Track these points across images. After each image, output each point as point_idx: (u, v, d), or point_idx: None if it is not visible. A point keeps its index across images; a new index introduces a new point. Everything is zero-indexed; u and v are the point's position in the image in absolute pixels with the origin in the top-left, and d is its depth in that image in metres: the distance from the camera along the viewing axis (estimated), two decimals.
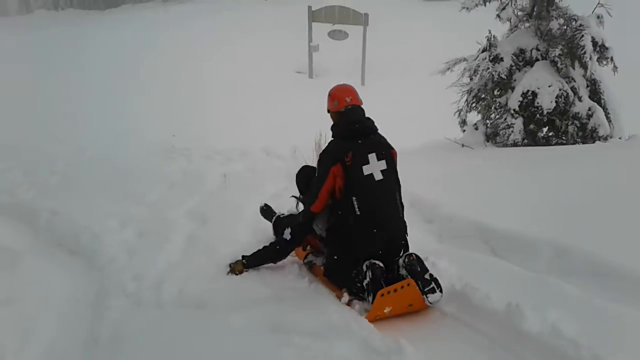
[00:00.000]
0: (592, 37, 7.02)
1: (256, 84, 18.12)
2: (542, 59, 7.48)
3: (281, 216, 4.57)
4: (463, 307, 3.68)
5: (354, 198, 3.61)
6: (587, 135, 7.33)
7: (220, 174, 7.62)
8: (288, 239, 4.05)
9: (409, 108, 14.81)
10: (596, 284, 3.78)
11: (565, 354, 3.04)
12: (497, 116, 7.83)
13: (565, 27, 7.26)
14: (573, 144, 7.33)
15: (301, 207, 4.37)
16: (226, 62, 20.91)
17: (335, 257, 3.78)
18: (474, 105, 8.10)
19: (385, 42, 21.75)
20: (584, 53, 6.95)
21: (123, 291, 4.67)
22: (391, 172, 3.76)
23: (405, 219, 3.93)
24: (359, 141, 3.72)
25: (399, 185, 3.86)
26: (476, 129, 8.04)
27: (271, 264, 4.24)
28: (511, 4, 7.72)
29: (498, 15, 7.80)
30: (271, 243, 4.25)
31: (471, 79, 7.95)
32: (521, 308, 3.36)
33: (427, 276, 3.51)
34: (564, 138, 7.53)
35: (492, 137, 7.83)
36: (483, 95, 8.00)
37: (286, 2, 35.46)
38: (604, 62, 7.29)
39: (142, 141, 10.95)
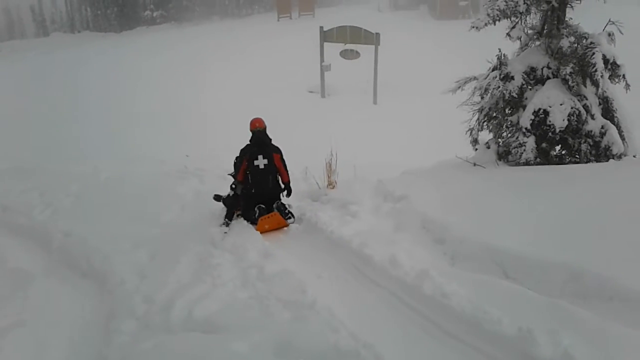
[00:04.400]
0: (603, 54, 6.93)
1: (268, 103, 18.22)
2: (553, 77, 7.41)
3: (224, 196, 7.10)
4: (473, 331, 3.63)
5: (249, 175, 6.81)
6: (601, 153, 7.22)
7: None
8: (226, 196, 7.03)
9: (421, 127, 14.79)
10: (611, 308, 3.70)
11: None
12: (509, 135, 7.75)
13: (576, 45, 7.19)
14: (586, 162, 7.22)
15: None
16: (239, 81, 21.13)
17: (244, 206, 6.80)
18: (485, 124, 8.03)
19: (397, 61, 21.84)
20: (595, 71, 6.86)
21: (133, 314, 4.67)
22: (269, 165, 6.78)
23: (287, 185, 7.05)
24: (255, 148, 6.82)
25: (275, 171, 6.86)
26: (488, 147, 7.96)
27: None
28: (521, 22, 7.69)
29: (508, 34, 7.77)
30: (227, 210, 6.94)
31: (482, 98, 7.89)
32: (533, 333, 3.30)
33: (286, 211, 6.70)
34: (577, 156, 7.42)
35: (504, 156, 7.75)
36: (494, 114, 7.93)
37: (298, 21, 35.89)
38: (616, 80, 7.20)
39: (156, 162, 11.05)
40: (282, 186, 7.01)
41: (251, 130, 6.90)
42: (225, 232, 6.35)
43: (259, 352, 3.67)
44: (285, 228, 6.62)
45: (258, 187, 6.77)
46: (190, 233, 6.46)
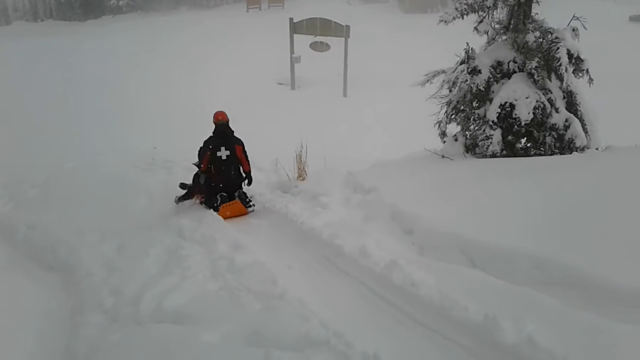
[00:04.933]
0: (567, 49, 7.09)
1: (238, 96, 18.10)
2: (519, 71, 7.54)
3: (189, 184, 7.41)
4: (441, 319, 3.70)
5: (212, 165, 7.05)
6: (565, 146, 7.40)
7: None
8: (191, 184, 7.32)
9: (390, 119, 14.89)
10: (574, 295, 3.82)
11: None
12: (476, 127, 7.87)
13: (541, 40, 7.33)
14: (551, 154, 7.41)
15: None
16: (207, 73, 20.88)
17: (207, 194, 7.06)
18: (453, 116, 8.13)
19: (367, 53, 21.93)
20: (560, 65, 7.02)
21: (100, 306, 4.62)
22: (232, 156, 7.05)
23: (248, 175, 7.34)
24: (218, 140, 7.06)
25: (238, 162, 7.13)
26: (456, 140, 8.07)
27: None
28: (488, 17, 7.80)
29: (476, 28, 7.88)
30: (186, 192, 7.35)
31: (450, 91, 7.99)
32: (497, 319, 3.39)
33: (247, 199, 7.02)
34: (542, 149, 7.59)
35: (472, 148, 7.87)
36: (462, 107, 8.04)
37: (268, 13, 35.65)
38: (580, 74, 7.39)
39: (123, 153, 10.88)
40: (244, 175, 7.28)
41: (214, 123, 7.15)
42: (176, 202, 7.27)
43: (230, 342, 3.67)
44: (247, 216, 6.87)
45: (220, 177, 7.04)
46: (158, 225, 6.40)
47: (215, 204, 6.87)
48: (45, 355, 4.40)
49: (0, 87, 18.75)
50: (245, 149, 7.22)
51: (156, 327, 4.09)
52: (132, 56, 22.95)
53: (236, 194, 7.03)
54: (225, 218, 6.58)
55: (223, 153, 7.01)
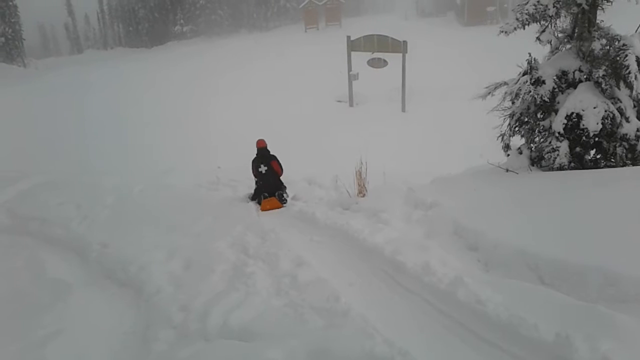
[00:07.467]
0: (636, 56, 6.82)
1: (297, 113, 18.38)
2: (586, 81, 7.31)
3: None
4: (509, 338, 3.60)
5: (257, 179, 9.32)
6: (637, 156, 7.07)
7: None
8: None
9: (451, 133, 14.70)
10: None
11: None
12: (542, 139, 7.64)
13: (608, 48, 7.08)
14: (622, 166, 7.10)
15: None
16: (267, 91, 21.33)
17: (256, 195, 9.15)
18: (517, 129, 7.95)
19: (425, 68, 21.77)
20: (629, 73, 6.74)
21: (170, 323, 4.76)
22: (269, 169, 9.30)
23: (285, 183, 9.45)
24: (259, 159, 9.34)
25: (275, 172, 9.33)
26: (520, 153, 7.87)
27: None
28: (551, 26, 7.61)
29: (538, 38, 7.70)
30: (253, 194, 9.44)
31: (513, 103, 7.81)
32: (571, 338, 3.26)
33: (282, 198, 9.09)
34: (612, 160, 7.28)
35: (537, 161, 7.65)
36: (526, 119, 7.84)
37: (325, 32, 36.11)
38: None
39: (188, 173, 11.24)
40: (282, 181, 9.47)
41: (256, 147, 9.52)
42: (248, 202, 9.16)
43: (294, 359, 3.70)
44: (308, 233, 6.93)
45: (263, 183, 9.26)
46: (223, 242, 6.55)
47: (261, 200, 8.97)
48: None
49: (69, 112, 19.82)
50: (279, 161, 9.47)
51: (223, 343, 4.18)
52: (189, 76, 23.75)
53: (276, 194, 9.10)
54: (265, 209, 8.60)
55: (262, 169, 9.33)
